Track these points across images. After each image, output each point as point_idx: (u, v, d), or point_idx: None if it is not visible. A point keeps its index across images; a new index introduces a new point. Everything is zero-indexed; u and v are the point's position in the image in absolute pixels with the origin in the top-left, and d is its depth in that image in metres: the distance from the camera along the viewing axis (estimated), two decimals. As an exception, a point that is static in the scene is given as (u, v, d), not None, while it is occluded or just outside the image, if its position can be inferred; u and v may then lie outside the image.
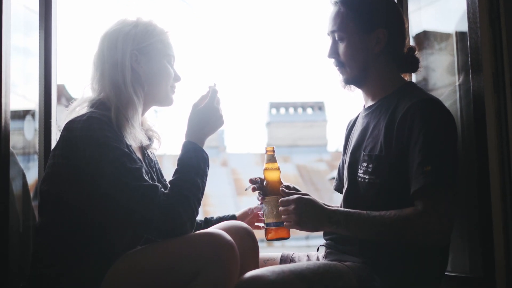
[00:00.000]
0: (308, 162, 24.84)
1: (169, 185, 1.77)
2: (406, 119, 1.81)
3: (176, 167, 1.84)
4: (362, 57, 1.96)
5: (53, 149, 1.82)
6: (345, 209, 1.86)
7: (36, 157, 2.35)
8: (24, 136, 2.34)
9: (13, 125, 2.20)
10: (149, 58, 1.92)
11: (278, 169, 2.02)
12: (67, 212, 1.75)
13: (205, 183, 1.83)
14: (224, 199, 20.78)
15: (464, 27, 1.97)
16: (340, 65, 1.99)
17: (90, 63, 1.94)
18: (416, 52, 2.02)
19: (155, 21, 1.96)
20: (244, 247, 1.87)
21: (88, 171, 1.70)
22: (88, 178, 1.71)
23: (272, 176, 2.02)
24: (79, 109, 1.87)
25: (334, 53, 1.99)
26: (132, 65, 1.88)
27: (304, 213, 1.83)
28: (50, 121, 2.33)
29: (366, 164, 1.90)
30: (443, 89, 2.25)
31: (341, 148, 2.28)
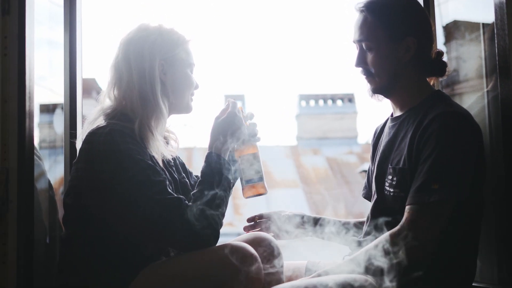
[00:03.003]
0: (338, 154, 24.64)
1: (192, 197, 1.78)
2: (426, 131, 1.79)
3: (199, 178, 1.84)
4: (392, 66, 1.92)
5: (75, 161, 1.82)
6: (331, 266, 1.87)
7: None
8: (54, 129, 2.35)
9: (42, 118, 2.21)
10: (174, 68, 1.93)
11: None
12: (92, 224, 1.77)
13: (229, 194, 1.85)
14: (254, 192, 20.68)
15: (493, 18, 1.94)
16: (368, 74, 1.96)
17: (110, 69, 1.92)
18: (444, 56, 1.99)
19: (176, 28, 1.97)
20: (268, 259, 1.88)
21: (111, 185, 1.71)
22: (112, 191, 1.72)
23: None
24: (99, 120, 1.86)
25: (362, 62, 1.96)
26: (161, 77, 1.88)
27: None
28: (76, 115, 2.33)
29: (391, 177, 1.89)
30: (474, 80, 2.22)
31: (371, 141, 2.26)
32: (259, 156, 2.01)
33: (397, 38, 1.93)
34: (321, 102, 27.89)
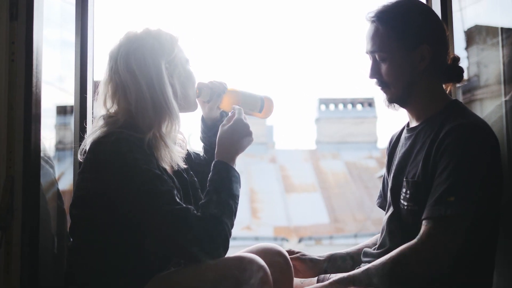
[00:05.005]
0: (357, 159, 24.57)
1: (200, 207, 1.74)
2: (442, 144, 1.74)
3: (207, 187, 1.81)
4: (407, 76, 1.86)
5: (80, 171, 1.80)
6: (340, 275, 1.83)
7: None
8: (72, 131, 2.33)
9: (59, 120, 2.20)
10: (178, 68, 1.91)
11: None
12: (99, 234, 1.73)
13: (238, 203, 1.80)
14: (272, 196, 20.76)
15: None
16: (384, 85, 1.91)
17: (107, 84, 1.87)
18: (460, 61, 1.94)
19: (163, 28, 1.95)
20: (277, 271, 1.86)
21: (118, 195, 1.68)
22: (118, 202, 1.68)
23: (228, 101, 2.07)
24: (106, 129, 1.83)
25: (376, 73, 1.91)
26: (169, 80, 1.85)
27: None
28: (85, 118, 2.30)
29: (405, 190, 1.84)
30: (495, 86, 2.16)
31: (386, 149, 2.21)
32: (241, 94, 2.07)
33: (410, 47, 1.87)
34: (340, 106, 27.82)
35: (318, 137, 27.03)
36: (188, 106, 1.99)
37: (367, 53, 1.95)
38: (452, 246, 1.69)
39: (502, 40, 2.10)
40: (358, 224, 19.12)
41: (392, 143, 2.15)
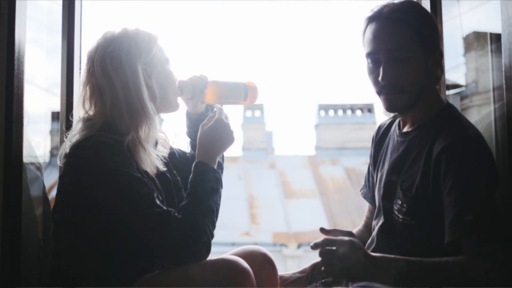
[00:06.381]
0: (357, 164, 24.51)
1: (181, 209, 1.73)
2: (441, 161, 1.67)
3: (188, 189, 1.79)
4: (423, 80, 1.79)
5: (60, 176, 1.80)
6: (405, 258, 1.65)
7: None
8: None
9: (48, 125, 2.18)
10: (157, 68, 1.89)
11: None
12: (81, 238, 1.72)
13: (219, 204, 1.78)
14: (272, 202, 20.72)
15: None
16: (396, 89, 1.78)
17: (85, 86, 1.84)
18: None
19: (141, 28, 1.92)
20: (262, 274, 1.89)
21: (98, 199, 1.66)
22: (99, 206, 1.67)
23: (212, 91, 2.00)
24: (84, 133, 1.81)
25: (390, 75, 1.77)
26: (146, 82, 1.83)
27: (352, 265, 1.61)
28: (71, 123, 2.29)
29: (401, 202, 1.76)
30: (484, 94, 2.16)
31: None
32: (223, 85, 2.01)
33: (429, 50, 1.80)
34: (340, 112, 27.81)
35: (317, 143, 27.00)
36: (168, 107, 1.96)
37: (378, 52, 1.80)
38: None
39: (492, 48, 2.10)
40: (357, 230, 19.04)
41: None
